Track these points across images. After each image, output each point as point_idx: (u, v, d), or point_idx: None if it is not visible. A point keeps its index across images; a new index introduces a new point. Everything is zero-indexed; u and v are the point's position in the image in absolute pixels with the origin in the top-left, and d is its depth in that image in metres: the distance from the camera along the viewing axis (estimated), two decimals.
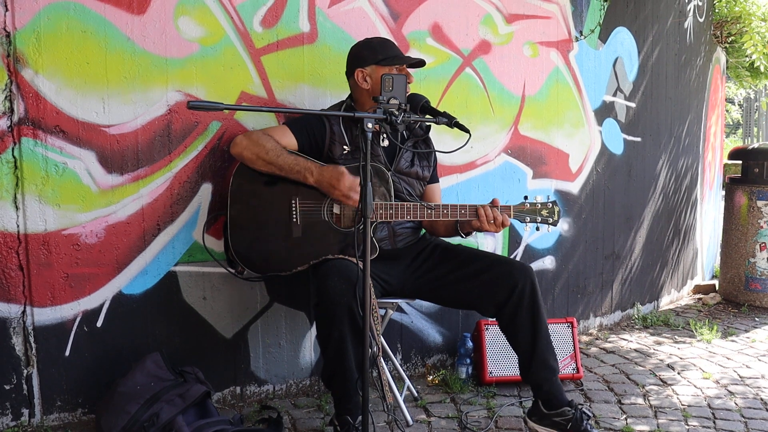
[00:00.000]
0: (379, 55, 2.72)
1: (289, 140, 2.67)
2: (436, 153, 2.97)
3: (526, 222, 2.67)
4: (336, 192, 2.54)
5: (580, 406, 2.66)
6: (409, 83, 2.61)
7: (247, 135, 2.64)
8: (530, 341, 2.65)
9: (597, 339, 4.29)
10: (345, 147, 2.69)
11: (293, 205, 2.64)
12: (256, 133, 2.64)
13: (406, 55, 2.94)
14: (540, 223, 2.67)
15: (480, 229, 2.65)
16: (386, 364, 2.89)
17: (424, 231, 2.95)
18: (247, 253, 2.66)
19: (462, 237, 2.80)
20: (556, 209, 2.68)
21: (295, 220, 2.63)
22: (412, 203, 2.63)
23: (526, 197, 2.71)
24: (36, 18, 2.49)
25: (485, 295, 2.67)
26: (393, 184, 2.68)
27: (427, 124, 2.89)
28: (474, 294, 2.69)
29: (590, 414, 2.69)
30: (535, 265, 4.01)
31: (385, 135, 2.74)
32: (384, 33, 3.23)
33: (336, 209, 2.66)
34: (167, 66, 2.74)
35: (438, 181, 3.04)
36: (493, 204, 2.63)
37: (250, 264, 2.67)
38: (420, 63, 2.78)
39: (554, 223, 2.68)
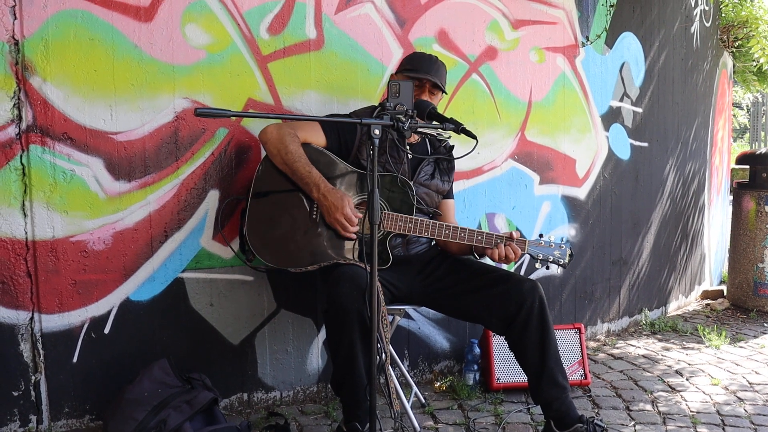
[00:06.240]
0: (407, 65, 2.80)
1: (318, 137, 2.71)
2: (454, 169, 3.00)
3: (538, 259, 2.69)
4: (331, 219, 2.56)
5: (591, 419, 2.63)
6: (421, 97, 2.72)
7: (279, 127, 2.65)
8: (539, 360, 2.63)
9: (605, 345, 4.28)
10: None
11: (315, 202, 2.65)
12: (286, 129, 2.64)
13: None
14: (551, 263, 2.69)
15: (492, 258, 2.68)
16: (393, 371, 2.89)
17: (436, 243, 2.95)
18: (260, 241, 2.65)
19: (476, 258, 2.80)
20: (568, 251, 2.70)
21: (315, 217, 2.63)
22: (431, 221, 2.65)
23: (541, 235, 2.72)
24: (44, 26, 2.50)
25: (492, 309, 2.66)
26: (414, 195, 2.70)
27: (451, 144, 2.97)
28: (481, 307, 2.69)
29: (603, 426, 2.67)
30: (543, 271, 4.00)
31: (406, 147, 2.75)
32: (390, 39, 3.23)
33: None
34: (174, 73, 2.75)
35: (453, 198, 3.04)
36: (510, 236, 2.65)
37: (261, 252, 2.65)
38: (437, 85, 2.80)
39: (564, 266, 2.71)
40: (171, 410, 2.48)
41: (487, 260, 3.60)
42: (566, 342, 3.45)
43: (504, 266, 3.76)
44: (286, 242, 2.64)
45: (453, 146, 2.99)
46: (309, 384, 3.22)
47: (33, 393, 2.63)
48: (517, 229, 2.70)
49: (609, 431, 2.90)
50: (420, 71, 2.77)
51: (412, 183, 2.73)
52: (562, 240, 2.72)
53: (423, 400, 3.19)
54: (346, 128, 2.74)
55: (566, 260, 2.70)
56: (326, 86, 3.09)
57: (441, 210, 2.95)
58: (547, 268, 2.69)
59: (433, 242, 2.92)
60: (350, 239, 2.62)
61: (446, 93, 2.96)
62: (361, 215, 2.60)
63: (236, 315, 3.00)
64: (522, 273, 3.89)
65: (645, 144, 4.65)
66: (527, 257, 3.90)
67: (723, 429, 2.97)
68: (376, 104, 2.87)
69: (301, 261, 2.63)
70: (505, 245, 2.64)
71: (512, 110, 3.76)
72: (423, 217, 2.71)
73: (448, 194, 2.99)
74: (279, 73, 2.98)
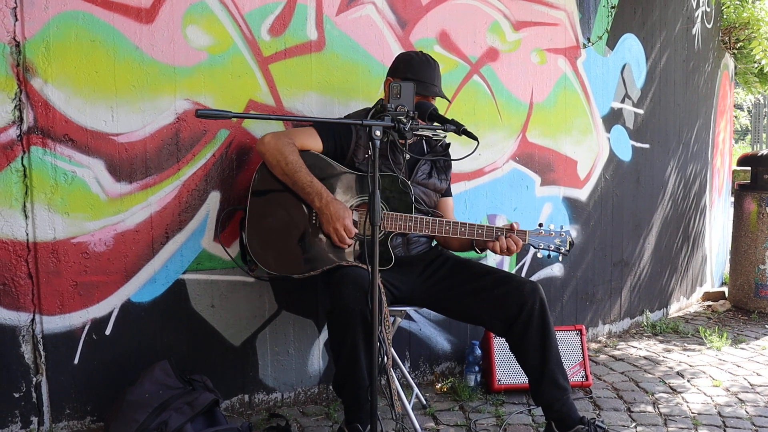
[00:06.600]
0: (407, 73, 2.76)
1: (315, 142, 2.70)
2: (451, 167, 3.01)
3: (539, 248, 2.70)
4: (329, 228, 2.57)
5: (593, 420, 2.63)
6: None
7: (276, 137, 2.64)
8: (540, 361, 2.64)
9: (606, 346, 4.27)
10: (369, 151, 2.69)
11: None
12: (284, 139, 2.63)
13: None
14: (552, 251, 2.70)
15: (494, 251, 2.68)
16: (395, 372, 2.89)
17: (436, 242, 2.95)
18: (262, 249, 2.65)
19: (477, 253, 2.80)
20: (569, 239, 2.71)
21: (314, 222, 2.63)
22: (431, 218, 2.65)
23: (541, 224, 2.73)
24: (45, 27, 2.50)
25: (493, 311, 2.66)
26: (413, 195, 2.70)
27: (447, 142, 2.96)
28: (481, 309, 2.69)
29: (605, 427, 2.67)
30: (544, 273, 4.00)
31: (405, 148, 2.75)
32: (392, 41, 3.24)
33: (356, 216, 2.66)
34: (175, 74, 2.75)
35: (451, 195, 3.04)
36: (511, 228, 2.65)
37: (263, 261, 2.65)
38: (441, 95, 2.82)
39: (565, 253, 2.72)
40: (172, 412, 2.48)
41: (489, 258, 3.62)
42: (567, 343, 3.45)
43: (506, 262, 3.77)
44: (287, 249, 2.65)
45: (449, 144, 2.98)
46: (310, 385, 3.22)
47: (34, 394, 2.63)
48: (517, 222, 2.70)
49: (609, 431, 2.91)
50: (426, 83, 2.74)
51: (409, 183, 2.73)
52: (561, 228, 2.72)
53: (424, 402, 3.19)
54: (342, 131, 2.74)
55: (567, 247, 2.70)
56: (327, 87, 3.09)
57: (440, 209, 2.95)
58: (549, 257, 2.70)
59: (434, 243, 2.92)
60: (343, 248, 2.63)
61: (449, 101, 3.02)
62: (358, 230, 2.62)
63: (237, 316, 3.00)
64: (523, 274, 3.89)
65: (646, 145, 4.65)
66: (529, 259, 3.93)
67: (724, 430, 2.96)
68: (370, 106, 2.87)
69: (304, 267, 2.63)
70: (506, 237, 2.65)
71: (513, 111, 3.76)
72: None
73: (446, 193, 2.99)
74: (280, 74, 2.98)
